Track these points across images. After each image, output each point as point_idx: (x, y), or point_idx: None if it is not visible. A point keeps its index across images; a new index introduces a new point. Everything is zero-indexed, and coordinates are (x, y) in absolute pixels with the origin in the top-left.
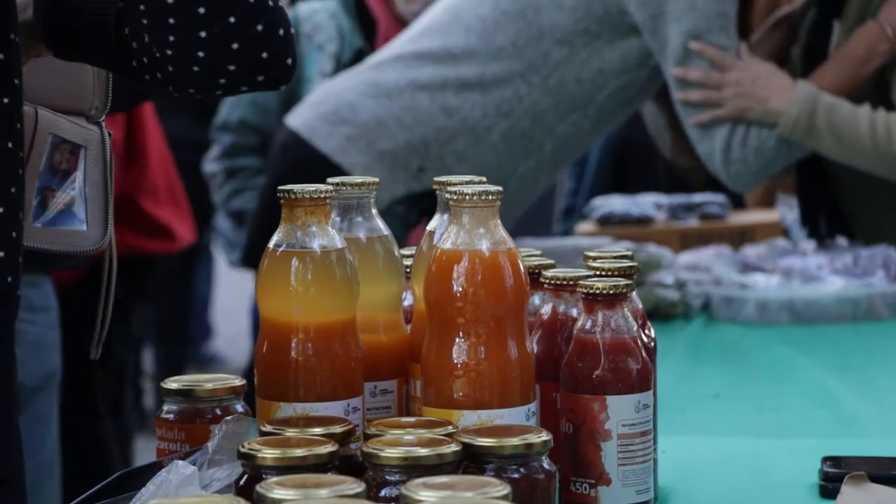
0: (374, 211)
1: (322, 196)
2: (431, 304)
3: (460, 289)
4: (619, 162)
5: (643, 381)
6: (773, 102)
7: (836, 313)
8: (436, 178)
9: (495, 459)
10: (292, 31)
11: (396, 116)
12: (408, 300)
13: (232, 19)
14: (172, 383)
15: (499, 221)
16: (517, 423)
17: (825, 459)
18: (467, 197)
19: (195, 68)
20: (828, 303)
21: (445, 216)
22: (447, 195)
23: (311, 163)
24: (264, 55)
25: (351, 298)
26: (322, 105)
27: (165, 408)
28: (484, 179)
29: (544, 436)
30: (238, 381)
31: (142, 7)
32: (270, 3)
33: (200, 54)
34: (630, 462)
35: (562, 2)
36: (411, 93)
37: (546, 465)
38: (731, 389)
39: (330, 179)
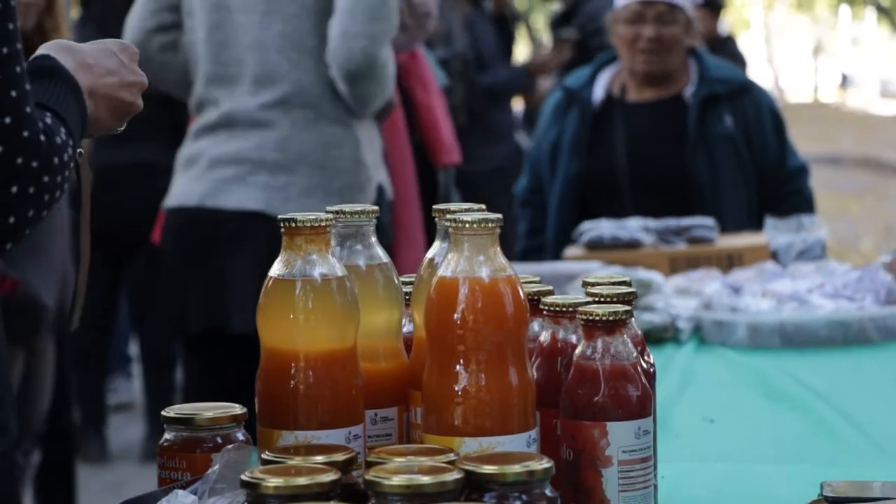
0: (373, 239)
1: (323, 224)
2: (432, 332)
3: (461, 316)
4: (581, 199)
5: (643, 408)
6: None
7: (826, 337)
8: (435, 207)
9: (497, 487)
10: (31, 189)
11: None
12: (408, 327)
13: None
14: (173, 412)
15: (498, 248)
16: (518, 451)
17: (824, 485)
18: (467, 225)
19: None
20: (818, 326)
21: (445, 243)
22: (446, 223)
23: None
24: None
25: (352, 326)
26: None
27: (166, 436)
28: (483, 207)
29: (546, 463)
30: (239, 410)
31: None
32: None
33: None
34: (631, 488)
35: None
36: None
37: (548, 493)
38: (725, 414)
39: (329, 208)
